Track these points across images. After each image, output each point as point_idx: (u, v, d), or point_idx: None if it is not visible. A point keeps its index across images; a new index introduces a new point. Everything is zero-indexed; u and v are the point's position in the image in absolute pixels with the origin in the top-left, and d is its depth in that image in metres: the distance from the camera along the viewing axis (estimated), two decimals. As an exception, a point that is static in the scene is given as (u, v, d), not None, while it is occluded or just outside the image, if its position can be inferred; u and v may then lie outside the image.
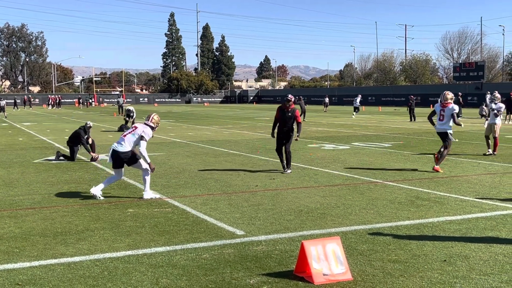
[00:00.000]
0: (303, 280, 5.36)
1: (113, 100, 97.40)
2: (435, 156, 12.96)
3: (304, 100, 45.84)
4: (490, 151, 15.94)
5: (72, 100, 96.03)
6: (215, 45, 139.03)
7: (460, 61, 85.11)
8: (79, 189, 10.74)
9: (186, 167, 13.96)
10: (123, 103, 51.87)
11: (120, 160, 9.61)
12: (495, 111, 16.09)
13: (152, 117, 9.81)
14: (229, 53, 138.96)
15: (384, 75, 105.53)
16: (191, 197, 9.79)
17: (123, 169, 9.89)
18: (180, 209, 8.80)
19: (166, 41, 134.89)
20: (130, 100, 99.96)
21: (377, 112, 51.94)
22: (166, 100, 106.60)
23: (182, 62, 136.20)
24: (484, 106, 37.04)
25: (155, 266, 5.87)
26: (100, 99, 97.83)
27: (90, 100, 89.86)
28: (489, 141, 16.16)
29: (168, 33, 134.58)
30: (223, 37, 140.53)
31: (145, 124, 9.76)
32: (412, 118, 35.93)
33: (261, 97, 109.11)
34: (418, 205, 8.92)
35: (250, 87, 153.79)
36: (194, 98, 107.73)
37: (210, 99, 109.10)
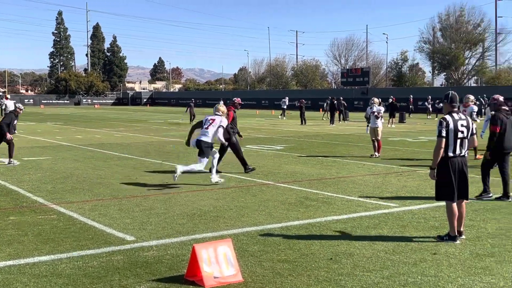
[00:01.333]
0: (194, 284, 5.34)
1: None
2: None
3: (198, 103, 45.78)
4: (376, 153, 16.83)
5: None
6: (106, 45, 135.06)
7: (347, 67, 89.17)
8: (-47, 197, 9.95)
9: (74, 171, 13.42)
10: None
11: (201, 148, 11.19)
12: (376, 113, 17.01)
13: (219, 108, 11.61)
14: (121, 54, 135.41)
15: (277, 79, 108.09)
16: (78, 203, 9.42)
17: (205, 158, 11.17)
18: (66, 215, 8.43)
19: (54, 40, 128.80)
20: (14, 101, 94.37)
21: (270, 116, 53.07)
22: (54, 101, 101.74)
23: (71, 62, 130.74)
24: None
25: (38, 276, 5.57)
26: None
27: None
28: (375, 143, 17.04)
29: (56, 32, 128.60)
30: (114, 37, 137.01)
31: (218, 115, 11.44)
32: (303, 121, 37.12)
33: (155, 99, 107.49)
34: (307, 206, 9.21)
35: (143, 89, 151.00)
36: (84, 100, 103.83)
37: (101, 101, 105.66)
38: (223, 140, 11.71)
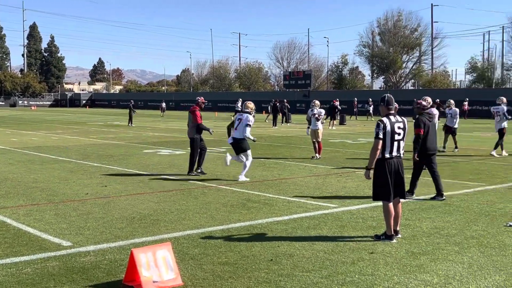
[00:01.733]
0: (133, 289, 5.25)
1: None
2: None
3: (140, 105, 45.03)
4: (317, 155, 17.08)
5: None
6: (44, 45, 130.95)
7: (290, 70, 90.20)
8: None
9: (8, 175, 12.93)
10: None
11: (236, 145, 12.46)
12: (316, 115, 17.29)
13: (247, 105, 12.62)
14: (59, 54, 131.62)
15: (220, 81, 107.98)
16: (12, 208, 9.08)
17: (242, 153, 12.46)
18: (-1, 221, 8.11)
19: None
20: None
21: (213, 118, 52.94)
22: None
23: (6, 62, 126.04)
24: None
25: (-33, 286, 5.33)
26: None
27: None
28: (316, 145, 17.30)
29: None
30: (52, 37, 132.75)
31: (246, 112, 12.52)
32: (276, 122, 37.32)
33: (95, 100, 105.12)
34: (249, 207, 9.24)
35: (82, 90, 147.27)
36: (20, 101, 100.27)
37: (38, 103, 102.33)
38: (251, 137, 12.62)
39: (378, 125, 7.10)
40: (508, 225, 8.01)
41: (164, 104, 57.59)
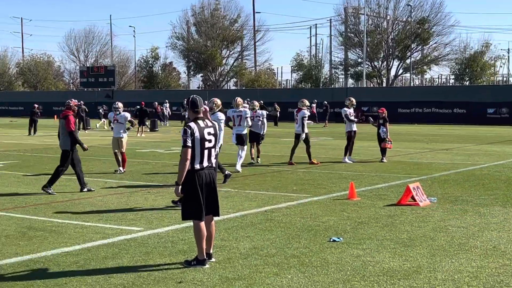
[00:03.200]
0: None
1: None
2: None
3: None
4: (121, 169, 16.86)
5: None
6: None
7: (88, 65, 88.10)
8: None
9: None
10: None
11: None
12: (117, 120, 17.13)
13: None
14: None
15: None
16: None
17: (244, 146, 17.34)
18: None
19: None
20: None
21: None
22: None
23: None
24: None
25: None
26: None
27: None
28: (118, 157, 17.06)
29: None
30: None
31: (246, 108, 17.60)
32: (33, 131, 35.57)
33: None
34: (30, 237, 8.83)
35: None
36: None
37: None
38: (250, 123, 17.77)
39: (185, 132, 7.24)
40: (331, 240, 8.67)
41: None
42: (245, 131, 17.60)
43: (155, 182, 14.92)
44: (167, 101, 53.45)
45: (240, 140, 17.38)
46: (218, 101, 14.34)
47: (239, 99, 17.74)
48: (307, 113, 19.37)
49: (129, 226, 9.67)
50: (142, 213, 10.82)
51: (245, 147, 17.52)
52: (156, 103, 49.34)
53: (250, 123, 17.67)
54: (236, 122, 17.46)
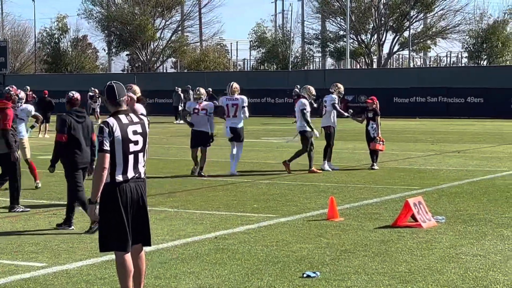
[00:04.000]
0: None
1: None
2: None
3: None
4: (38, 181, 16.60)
5: None
6: None
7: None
8: None
9: None
10: None
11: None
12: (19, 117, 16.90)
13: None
14: None
15: None
16: None
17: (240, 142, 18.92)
18: None
19: None
20: None
21: None
22: None
23: None
24: None
25: None
26: None
27: None
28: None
29: None
30: None
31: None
32: None
33: None
34: None
35: None
36: None
37: None
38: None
39: (101, 130, 7.06)
40: (305, 275, 8.68)
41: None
42: (242, 124, 18.85)
43: (63, 200, 14.73)
44: (94, 89, 49.49)
45: (235, 135, 18.64)
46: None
47: (235, 85, 18.83)
48: (306, 102, 19.05)
49: (27, 261, 9.56)
50: (46, 243, 10.69)
51: (242, 143, 19.04)
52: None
53: (247, 114, 18.89)
54: (231, 113, 18.57)
